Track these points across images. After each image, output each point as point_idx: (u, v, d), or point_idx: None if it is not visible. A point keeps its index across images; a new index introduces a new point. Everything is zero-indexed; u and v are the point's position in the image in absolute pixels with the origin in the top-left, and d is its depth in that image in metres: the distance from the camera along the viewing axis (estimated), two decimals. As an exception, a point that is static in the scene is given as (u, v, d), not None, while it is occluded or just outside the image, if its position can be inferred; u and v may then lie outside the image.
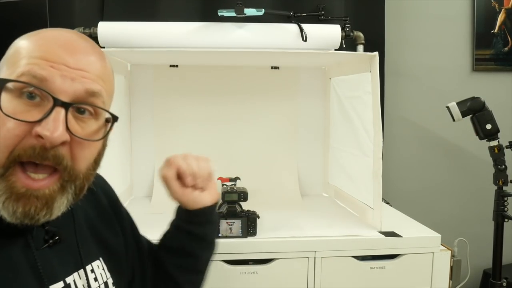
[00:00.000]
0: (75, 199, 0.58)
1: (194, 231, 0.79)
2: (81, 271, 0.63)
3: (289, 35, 1.50)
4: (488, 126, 1.49)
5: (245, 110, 1.70)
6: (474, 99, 1.51)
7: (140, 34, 1.50)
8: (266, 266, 1.18)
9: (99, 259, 0.68)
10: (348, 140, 1.49)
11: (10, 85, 0.52)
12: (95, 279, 0.65)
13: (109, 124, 0.60)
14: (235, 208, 1.19)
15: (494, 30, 2.01)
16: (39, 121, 0.51)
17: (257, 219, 1.19)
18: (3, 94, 0.52)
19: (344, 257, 1.20)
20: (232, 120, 1.69)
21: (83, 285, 0.63)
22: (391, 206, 1.63)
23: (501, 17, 2.01)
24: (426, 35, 1.99)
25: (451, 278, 1.24)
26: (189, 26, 1.48)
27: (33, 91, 0.52)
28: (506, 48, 2.03)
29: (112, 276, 0.69)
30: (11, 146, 0.51)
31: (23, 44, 0.56)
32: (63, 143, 0.53)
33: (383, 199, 1.37)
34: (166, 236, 0.82)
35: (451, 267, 1.24)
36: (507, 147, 1.52)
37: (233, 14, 1.43)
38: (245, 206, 1.23)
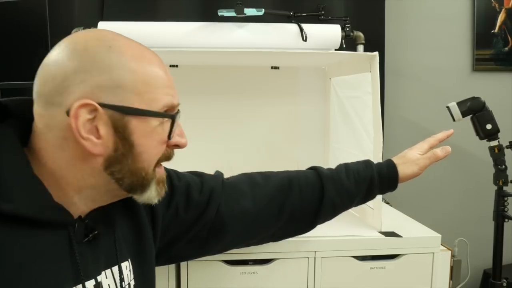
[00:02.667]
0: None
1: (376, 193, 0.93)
2: (108, 271, 0.65)
3: (289, 35, 1.50)
4: (488, 126, 1.49)
5: (245, 110, 1.70)
6: (474, 99, 1.51)
7: (140, 34, 1.50)
8: (266, 266, 1.18)
9: (128, 260, 0.70)
10: (348, 140, 1.49)
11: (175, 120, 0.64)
12: (122, 280, 0.67)
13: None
14: (235, 208, 1.19)
15: (494, 30, 2.01)
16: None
17: (257, 219, 1.19)
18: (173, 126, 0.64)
19: (344, 257, 1.19)
20: (232, 120, 1.69)
21: (108, 284, 0.65)
22: (391, 206, 1.63)
23: (501, 17, 2.01)
24: (426, 35, 1.99)
25: (451, 278, 1.24)
26: (189, 26, 1.48)
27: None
28: (506, 48, 2.02)
29: (134, 278, 0.71)
30: (158, 159, 0.65)
31: (145, 71, 0.61)
32: None
33: (383, 199, 1.37)
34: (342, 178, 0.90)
35: (451, 267, 1.24)
36: (507, 147, 1.52)
37: (233, 14, 1.43)
38: (245, 206, 1.23)
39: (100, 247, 0.64)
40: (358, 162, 0.94)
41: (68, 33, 1.83)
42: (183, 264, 1.15)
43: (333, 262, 1.19)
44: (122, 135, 0.59)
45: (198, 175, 0.88)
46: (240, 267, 1.17)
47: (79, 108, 0.56)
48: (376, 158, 1.24)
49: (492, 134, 1.50)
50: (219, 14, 1.44)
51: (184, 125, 1.91)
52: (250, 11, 1.44)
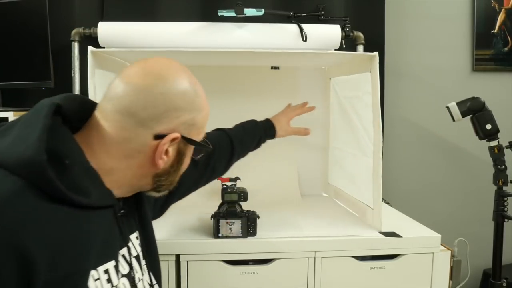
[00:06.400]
0: None
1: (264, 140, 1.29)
2: (132, 236, 0.80)
3: (289, 35, 1.50)
4: (488, 126, 1.49)
5: (245, 110, 1.69)
6: (474, 99, 1.51)
7: (140, 34, 1.50)
8: (266, 266, 1.18)
9: (138, 229, 0.84)
10: (348, 140, 1.49)
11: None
12: (140, 241, 0.83)
13: None
14: (235, 208, 1.19)
15: (494, 30, 2.01)
16: None
17: (257, 219, 1.19)
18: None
19: (344, 257, 1.20)
20: (232, 120, 1.68)
21: (133, 244, 0.79)
22: (391, 206, 1.63)
23: (501, 17, 2.01)
24: (426, 35, 1.99)
25: (451, 278, 1.24)
26: (189, 26, 1.48)
27: None
28: (506, 48, 2.03)
29: (144, 240, 0.85)
30: None
31: (207, 112, 0.77)
32: None
33: (383, 199, 1.37)
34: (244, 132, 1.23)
35: (451, 267, 1.24)
36: (507, 147, 1.52)
37: (233, 14, 1.44)
38: (245, 206, 1.23)
39: (128, 221, 0.79)
40: (249, 123, 1.28)
41: (68, 33, 1.83)
42: (183, 264, 1.15)
43: (333, 262, 1.19)
44: (180, 157, 0.76)
45: None
46: (240, 267, 1.17)
47: (169, 137, 0.70)
48: (376, 158, 1.24)
49: (492, 134, 1.50)
50: (219, 14, 1.44)
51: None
52: (250, 11, 1.44)
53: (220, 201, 1.24)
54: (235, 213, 1.18)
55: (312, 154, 1.76)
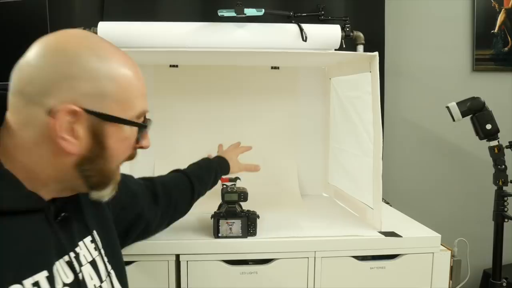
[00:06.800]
0: None
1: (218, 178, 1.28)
2: (81, 242, 0.73)
3: (289, 35, 1.50)
4: (488, 126, 1.49)
5: (245, 110, 1.70)
6: (474, 99, 1.51)
7: (140, 34, 1.50)
8: (266, 266, 1.18)
9: (94, 232, 0.78)
10: (348, 140, 1.49)
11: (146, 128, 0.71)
12: (95, 249, 0.76)
13: None
14: (235, 208, 1.19)
15: (494, 30, 2.01)
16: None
17: (257, 219, 1.19)
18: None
19: (344, 257, 1.20)
20: (232, 120, 1.69)
21: (84, 255, 0.73)
22: (391, 206, 1.63)
23: (501, 17, 2.01)
24: (426, 35, 1.99)
25: (451, 278, 1.24)
26: (189, 26, 1.48)
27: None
28: (506, 48, 2.03)
29: (103, 247, 0.79)
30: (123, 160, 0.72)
31: (127, 81, 0.66)
32: None
33: (383, 199, 1.37)
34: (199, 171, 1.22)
35: (451, 267, 1.24)
36: (507, 147, 1.52)
37: (233, 14, 1.43)
38: (245, 206, 1.23)
39: (73, 225, 0.72)
40: (203, 161, 1.28)
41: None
42: (183, 264, 1.15)
43: (333, 262, 1.19)
44: (98, 139, 0.64)
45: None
46: (240, 267, 1.17)
47: (63, 111, 0.60)
48: (376, 158, 1.24)
49: (492, 134, 1.50)
50: (219, 14, 1.44)
51: (184, 124, 1.92)
52: (250, 11, 1.44)
53: (220, 201, 1.24)
54: (235, 213, 1.18)
55: (312, 154, 1.76)
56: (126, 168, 1.62)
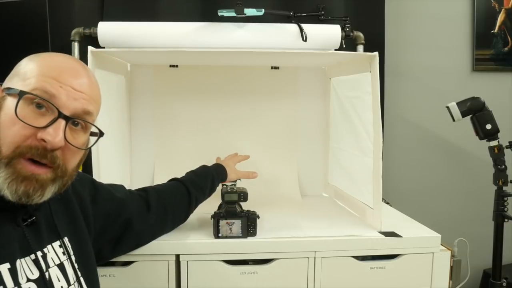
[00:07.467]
0: (59, 191, 0.72)
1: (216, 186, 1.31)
2: (50, 246, 0.76)
3: (289, 35, 1.50)
4: (488, 126, 1.49)
5: (245, 110, 1.70)
6: (474, 99, 1.51)
7: (140, 34, 1.50)
8: (266, 266, 1.18)
9: (66, 237, 0.81)
10: (348, 140, 1.49)
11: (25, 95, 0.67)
12: (64, 253, 0.78)
13: (95, 138, 0.77)
14: (235, 208, 1.19)
15: (494, 30, 2.01)
16: (44, 127, 0.67)
17: (257, 219, 1.19)
18: (20, 102, 0.66)
19: (344, 257, 1.19)
20: (232, 120, 1.69)
21: (52, 258, 0.75)
22: (391, 206, 1.63)
23: (501, 17, 2.01)
24: (426, 35, 1.99)
25: (451, 278, 1.24)
26: (189, 26, 1.48)
27: (42, 103, 0.68)
28: (506, 48, 2.03)
29: (74, 253, 0.81)
30: (17, 143, 0.66)
31: (36, 63, 0.71)
32: (59, 148, 0.68)
33: (383, 199, 1.37)
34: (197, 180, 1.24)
35: (451, 267, 1.24)
36: (507, 147, 1.52)
37: (233, 14, 1.44)
38: (245, 206, 1.23)
39: (41, 229, 0.75)
40: (199, 168, 1.31)
41: (68, 33, 1.84)
42: (183, 264, 1.15)
43: (333, 262, 1.19)
44: None
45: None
46: (240, 267, 1.17)
47: None
48: (376, 158, 1.24)
49: (492, 134, 1.50)
50: (219, 14, 1.44)
51: (184, 124, 1.92)
52: (250, 11, 1.44)
53: (220, 201, 1.24)
54: (235, 213, 1.18)
55: (312, 154, 1.76)
56: (128, 168, 1.63)
